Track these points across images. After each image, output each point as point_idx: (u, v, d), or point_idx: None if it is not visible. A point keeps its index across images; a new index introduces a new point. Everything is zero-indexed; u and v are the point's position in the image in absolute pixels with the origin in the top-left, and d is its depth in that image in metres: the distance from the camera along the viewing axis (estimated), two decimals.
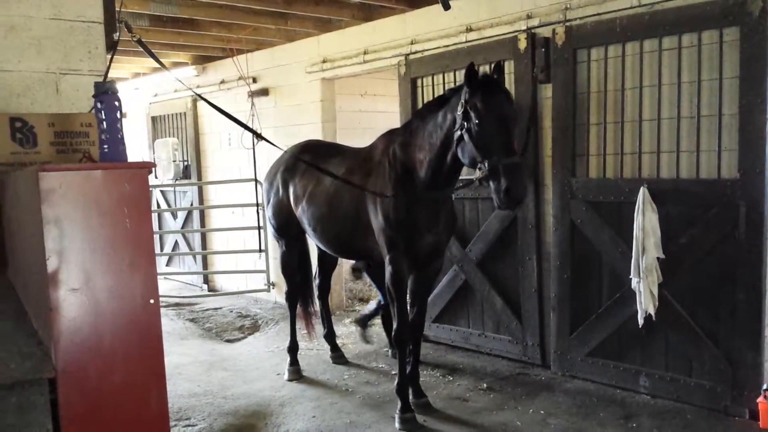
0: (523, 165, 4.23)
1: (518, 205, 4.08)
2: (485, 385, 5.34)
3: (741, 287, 4.46)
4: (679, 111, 4.72)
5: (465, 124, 4.07)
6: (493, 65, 4.43)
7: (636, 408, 4.78)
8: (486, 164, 3.95)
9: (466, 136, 4.07)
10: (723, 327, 4.58)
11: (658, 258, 4.67)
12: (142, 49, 7.92)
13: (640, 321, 4.75)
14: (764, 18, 4.22)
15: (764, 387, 4.34)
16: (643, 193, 4.70)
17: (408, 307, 4.84)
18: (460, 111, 4.11)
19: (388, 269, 4.67)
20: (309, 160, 5.49)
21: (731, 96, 4.45)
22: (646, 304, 4.69)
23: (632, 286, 4.79)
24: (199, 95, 4.92)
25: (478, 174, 4.02)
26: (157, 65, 9.36)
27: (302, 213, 5.38)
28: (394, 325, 4.76)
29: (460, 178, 4.70)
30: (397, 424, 4.64)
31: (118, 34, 3.83)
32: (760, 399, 4.33)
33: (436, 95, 6.18)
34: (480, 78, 4.11)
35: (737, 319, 4.49)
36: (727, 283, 4.52)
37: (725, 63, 4.47)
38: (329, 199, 5.10)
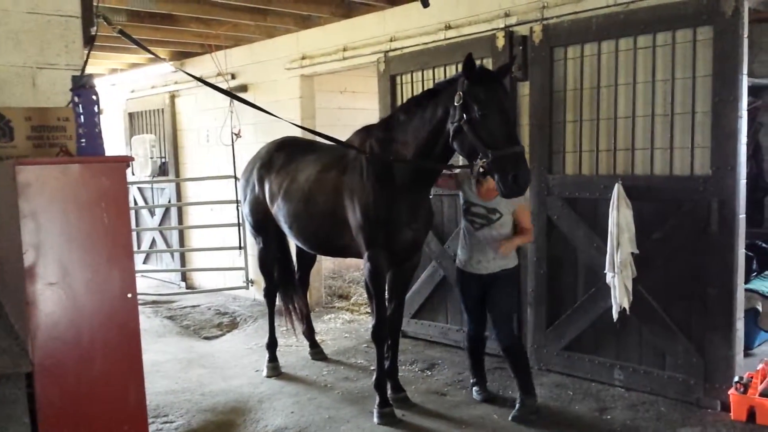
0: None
1: (524, 192, 4.08)
2: (463, 379, 5.38)
3: (713, 282, 4.54)
4: (653, 109, 4.80)
5: (465, 115, 4.03)
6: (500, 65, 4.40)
7: (611, 401, 4.86)
8: (490, 155, 3.93)
9: (466, 128, 4.03)
10: (695, 321, 4.67)
11: (632, 253, 4.73)
12: (119, 45, 7.85)
13: (615, 315, 4.82)
14: (737, 17, 4.31)
15: (735, 379, 4.44)
16: (617, 190, 4.76)
17: (386, 303, 4.87)
18: (458, 102, 4.08)
19: (366, 266, 4.68)
20: (285, 157, 5.49)
21: (704, 94, 4.53)
22: (620, 298, 4.75)
23: (607, 281, 4.86)
24: (215, 85, 4.86)
25: (479, 163, 3.99)
26: (134, 61, 9.34)
27: (278, 210, 5.36)
28: (372, 321, 4.79)
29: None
30: (375, 419, 4.66)
31: (95, 28, 3.80)
32: (731, 391, 4.42)
33: (415, 92, 6.22)
34: (478, 69, 4.10)
35: (709, 313, 4.58)
36: (700, 277, 4.61)
37: (699, 61, 4.55)
38: (305, 196, 5.08)
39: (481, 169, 4.00)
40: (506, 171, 3.90)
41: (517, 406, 4.65)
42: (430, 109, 4.35)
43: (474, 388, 5.04)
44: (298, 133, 7.33)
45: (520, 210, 4.66)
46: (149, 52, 4.34)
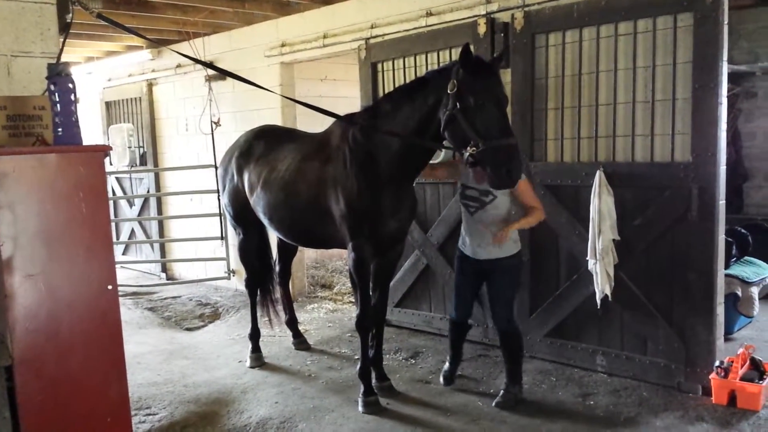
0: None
1: (515, 184, 4.08)
2: None
3: (693, 267, 4.58)
4: (634, 95, 4.81)
5: (458, 104, 4.00)
6: (495, 55, 4.38)
7: (593, 386, 4.90)
8: (482, 145, 3.90)
9: (459, 116, 3.99)
10: (677, 306, 4.71)
11: (613, 240, 4.76)
12: (95, 32, 7.70)
13: (598, 302, 4.85)
14: (717, 4, 4.32)
15: (716, 364, 4.49)
16: (599, 177, 4.78)
17: (371, 293, 4.85)
18: (451, 90, 4.03)
19: (351, 256, 4.65)
20: (264, 146, 5.43)
21: (685, 80, 4.55)
22: (602, 285, 4.78)
23: (589, 268, 4.88)
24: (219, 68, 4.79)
25: (469, 151, 3.96)
26: (110, 49, 9.19)
27: (257, 201, 5.29)
28: (357, 311, 4.77)
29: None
30: (360, 408, 4.66)
31: (71, 15, 3.72)
32: (712, 375, 4.48)
33: (397, 80, 6.19)
34: (474, 58, 4.06)
35: (690, 298, 4.63)
36: (681, 263, 4.65)
37: (679, 48, 4.57)
38: (285, 186, 5.01)
39: (471, 159, 3.98)
40: (499, 163, 3.89)
41: (502, 392, 4.68)
42: (420, 97, 4.30)
43: (444, 372, 5.07)
44: (278, 121, 7.31)
45: (520, 187, 4.40)
46: (134, 33, 4.24)
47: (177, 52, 5.01)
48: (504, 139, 3.93)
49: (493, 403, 4.65)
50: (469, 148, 3.96)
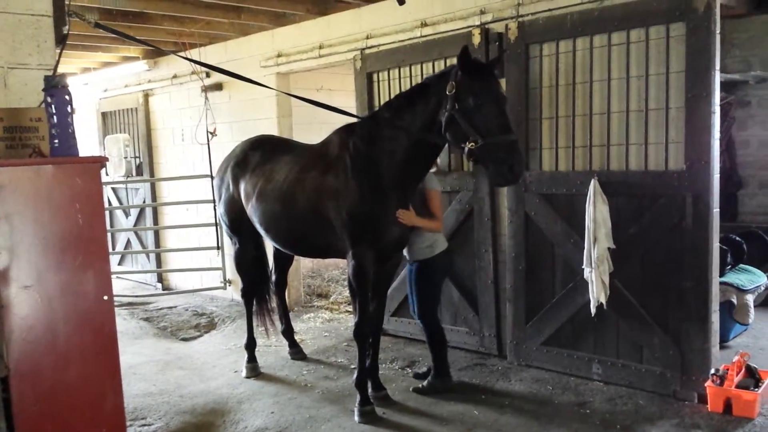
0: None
1: (517, 181, 4.16)
2: None
3: (688, 275, 4.60)
4: (627, 105, 4.84)
5: (456, 104, 4.08)
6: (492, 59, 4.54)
7: (589, 394, 4.90)
8: (481, 141, 3.98)
9: (458, 116, 4.07)
10: (672, 314, 4.73)
11: (609, 248, 4.78)
12: (92, 44, 7.73)
13: (593, 310, 4.86)
14: (709, 13, 4.36)
15: (712, 371, 4.50)
16: (593, 185, 4.80)
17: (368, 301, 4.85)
18: (450, 92, 4.12)
19: (351, 263, 4.65)
20: (260, 156, 5.44)
21: (678, 90, 4.59)
22: (597, 293, 4.80)
23: (584, 276, 4.90)
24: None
25: (469, 146, 4.02)
26: (106, 60, 9.21)
27: (253, 211, 5.29)
28: (354, 320, 4.78)
29: None
30: (356, 418, 4.66)
31: (67, 27, 3.74)
32: (708, 383, 4.49)
33: (392, 89, 6.22)
34: (472, 60, 4.16)
35: (685, 306, 4.64)
36: (675, 271, 4.66)
37: (672, 57, 4.60)
38: (282, 196, 5.01)
39: (471, 155, 4.05)
40: (500, 160, 3.96)
41: (426, 381, 5.10)
42: (421, 102, 4.38)
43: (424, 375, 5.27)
44: (274, 131, 7.33)
45: (428, 195, 4.84)
46: (133, 39, 4.27)
47: (183, 57, 5.07)
48: (504, 135, 3.98)
49: (411, 388, 5.10)
50: (468, 143, 4.01)
